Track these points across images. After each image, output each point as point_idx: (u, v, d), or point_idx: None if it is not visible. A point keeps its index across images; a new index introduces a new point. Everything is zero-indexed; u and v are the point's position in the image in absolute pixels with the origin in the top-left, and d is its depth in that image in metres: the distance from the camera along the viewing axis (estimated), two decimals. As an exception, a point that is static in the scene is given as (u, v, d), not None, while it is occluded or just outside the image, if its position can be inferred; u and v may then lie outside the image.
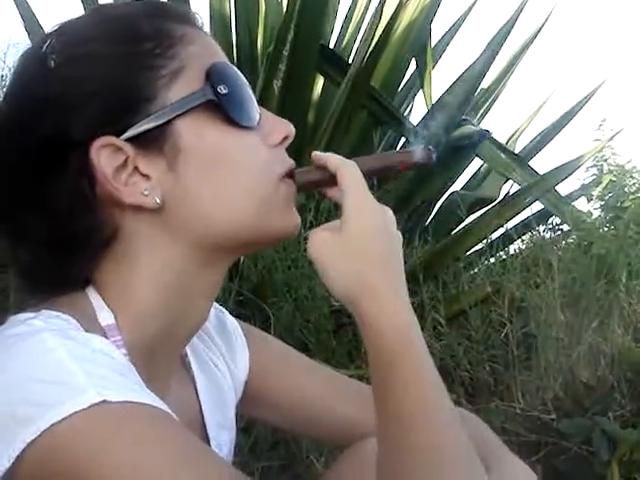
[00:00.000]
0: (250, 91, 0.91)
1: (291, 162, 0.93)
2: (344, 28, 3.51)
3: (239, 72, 0.91)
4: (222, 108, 0.86)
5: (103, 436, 0.71)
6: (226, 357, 1.07)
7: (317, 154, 0.94)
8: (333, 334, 2.37)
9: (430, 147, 0.95)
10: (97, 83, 0.83)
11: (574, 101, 3.63)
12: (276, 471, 2.03)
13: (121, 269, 0.87)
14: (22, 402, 0.71)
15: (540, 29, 3.48)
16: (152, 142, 0.84)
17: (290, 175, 0.92)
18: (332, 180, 0.91)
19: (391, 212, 0.92)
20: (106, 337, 0.83)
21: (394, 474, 0.78)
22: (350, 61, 2.98)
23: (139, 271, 0.86)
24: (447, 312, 2.38)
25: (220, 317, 1.10)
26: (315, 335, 2.31)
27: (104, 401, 0.70)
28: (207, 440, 1.00)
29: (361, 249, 0.86)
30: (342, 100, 2.77)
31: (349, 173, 0.90)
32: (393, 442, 0.79)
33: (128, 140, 0.83)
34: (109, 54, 0.84)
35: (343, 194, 0.89)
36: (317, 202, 2.45)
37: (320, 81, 3.13)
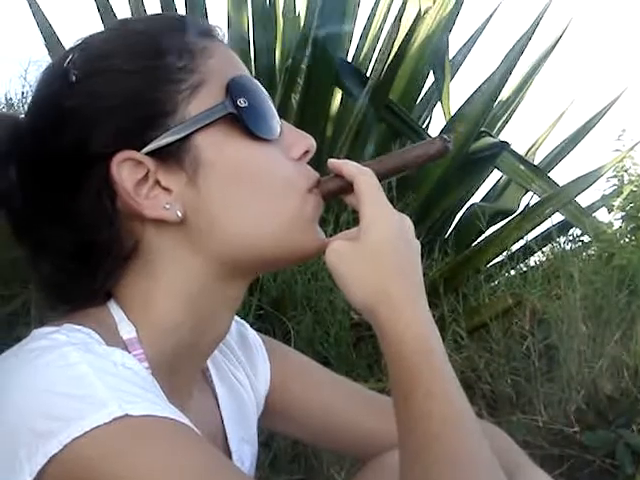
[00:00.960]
0: (271, 104, 0.91)
1: (316, 175, 0.93)
2: (362, 41, 3.51)
3: (260, 85, 0.91)
4: (242, 121, 0.86)
5: (125, 450, 0.71)
6: (247, 370, 1.07)
7: (333, 162, 0.93)
8: (353, 347, 2.37)
9: (445, 136, 0.93)
10: (117, 97, 0.84)
11: (593, 111, 3.61)
12: (297, 485, 2.03)
13: (142, 282, 0.87)
14: (43, 416, 0.71)
15: (558, 39, 3.47)
16: (173, 156, 0.84)
17: (316, 188, 0.92)
18: (350, 187, 0.91)
19: (409, 220, 0.92)
20: (128, 351, 0.83)
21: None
22: (368, 74, 2.98)
23: (160, 285, 0.87)
24: (468, 324, 2.37)
25: (242, 331, 1.11)
26: (335, 348, 2.31)
27: (126, 415, 0.70)
28: (229, 453, 1.00)
29: (378, 258, 0.85)
30: (360, 113, 2.77)
31: (365, 181, 0.89)
32: (415, 452, 0.78)
33: (149, 154, 0.83)
34: (130, 69, 0.85)
35: (360, 203, 0.88)
36: (336, 215, 2.45)
37: (338, 95, 3.13)
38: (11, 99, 3.82)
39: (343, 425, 1.10)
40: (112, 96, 0.84)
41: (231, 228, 0.86)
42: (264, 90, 0.91)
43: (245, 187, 0.86)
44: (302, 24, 3.13)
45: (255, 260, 0.89)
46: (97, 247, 0.86)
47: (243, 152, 0.87)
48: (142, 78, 0.85)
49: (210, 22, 0.95)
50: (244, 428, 1.04)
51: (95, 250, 0.86)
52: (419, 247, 0.92)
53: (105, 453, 0.70)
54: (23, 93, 3.75)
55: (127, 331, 0.85)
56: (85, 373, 0.73)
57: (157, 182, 0.85)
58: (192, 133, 0.84)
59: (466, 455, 0.77)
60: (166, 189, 0.85)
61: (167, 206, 0.84)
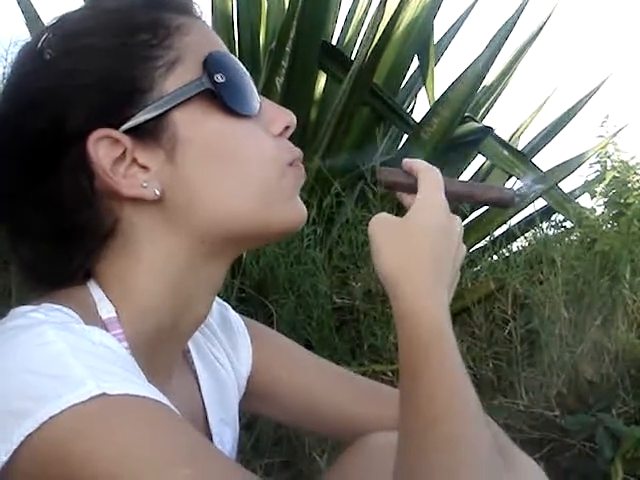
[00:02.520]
0: (250, 80, 0.90)
1: (298, 151, 0.93)
2: (346, 24, 3.50)
3: (238, 62, 0.90)
4: (219, 97, 0.85)
5: (102, 429, 0.70)
6: (229, 353, 1.07)
7: (407, 160, 0.98)
8: (336, 330, 2.37)
9: (518, 192, 0.99)
10: (92, 75, 0.83)
11: (577, 98, 3.62)
12: (278, 468, 2.03)
13: (122, 262, 0.86)
14: (19, 395, 0.71)
15: (543, 26, 3.47)
16: (150, 133, 0.83)
17: (297, 163, 0.93)
18: (413, 188, 0.95)
19: (459, 223, 0.96)
20: (107, 330, 0.82)
21: (417, 462, 0.77)
22: (352, 58, 2.97)
23: (140, 264, 0.86)
24: (451, 309, 2.37)
25: (223, 313, 1.10)
26: (318, 332, 2.31)
27: (103, 394, 0.70)
28: (210, 436, 0.99)
29: (415, 241, 0.90)
30: (344, 97, 2.76)
31: (430, 176, 0.96)
32: (415, 434, 0.79)
33: (126, 132, 0.83)
34: (104, 46, 0.84)
35: (418, 190, 0.94)
36: (320, 199, 2.45)
37: (322, 78, 3.12)
38: (-8, 80, 3.79)
39: (326, 408, 1.10)
40: (87, 74, 0.83)
41: (210, 204, 0.85)
42: (243, 67, 0.91)
43: (223, 163, 0.86)
44: (287, 6, 3.11)
45: (236, 235, 0.88)
46: (76, 227, 0.85)
47: (221, 128, 0.86)
48: (117, 56, 0.84)
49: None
50: (225, 410, 1.04)
51: (74, 230, 0.85)
52: (463, 252, 0.96)
53: (82, 432, 0.69)
54: (4, 74, 3.71)
55: (107, 311, 0.85)
56: (62, 351, 0.72)
57: (134, 160, 0.84)
58: (169, 110, 0.83)
59: (466, 444, 0.77)
60: (144, 167, 0.84)
61: (144, 184, 0.84)
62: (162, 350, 0.90)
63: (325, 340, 2.31)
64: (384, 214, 0.94)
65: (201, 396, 1.00)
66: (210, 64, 0.86)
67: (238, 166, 0.87)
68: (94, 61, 0.84)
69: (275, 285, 2.37)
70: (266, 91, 2.76)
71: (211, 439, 0.99)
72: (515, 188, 0.95)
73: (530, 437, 2.07)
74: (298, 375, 1.10)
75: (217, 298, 1.11)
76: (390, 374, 2.26)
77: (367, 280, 2.41)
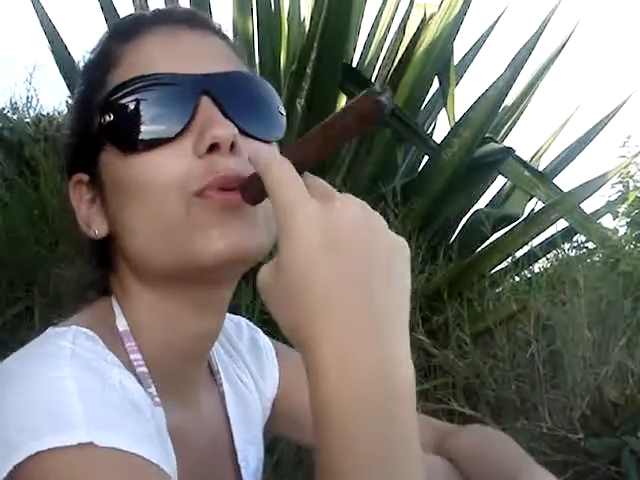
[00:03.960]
0: (167, 100, 0.84)
1: (221, 173, 0.81)
2: (367, 46, 3.52)
3: (157, 83, 0.84)
4: (108, 138, 0.86)
5: (80, 476, 0.70)
6: (255, 374, 1.08)
7: (250, 156, 0.81)
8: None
9: (375, 90, 0.68)
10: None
11: (599, 117, 3.60)
12: (300, 490, 2.02)
13: (122, 283, 0.91)
14: (18, 427, 0.72)
15: (564, 45, 3.47)
16: (93, 177, 0.90)
17: (228, 188, 0.80)
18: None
19: (353, 208, 0.69)
20: (123, 343, 0.86)
21: None
22: (373, 79, 2.98)
23: (128, 287, 0.90)
24: (472, 330, 2.36)
25: (254, 336, 1.13)
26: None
27: (91, 443, 0.69)
28: (234, 453, 1.00)
29: (298, 288, 0.65)
30: (365, 118, 2.76)
31: (272, 177, 0.69)
32: None
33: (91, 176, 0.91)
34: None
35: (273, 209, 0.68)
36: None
37: (343, 99, 3.14)
38: (16, 103, 3.84)
39: None
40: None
41: (128, 244, 0.87)
42: (161, 90, 0.84)
43: (128, 202, 0.85)
44: (307, 28, 3.13)
45: (165, 273, 0.86)
46: (91, 249, 0.94)
47: (122, 167, 0.85)
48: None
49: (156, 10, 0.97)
50: (249, 430, 1.04)
51: (92, 251, 0.94)
52: (382, 249, 0.68)
53: (60, 475, 0.70)
54: (28, 97, 3.76)
55: (122, 325, 0.88)
56: (69, 390, 0.73)
57: (90, 202, 0.92)
58: (93, 155, 0.88)
59: None
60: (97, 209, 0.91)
61: (88, 225, 0.91)
62: (176, 366, 0.91)
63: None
64: (263, 267, 0.69)
65: (227, 416, 1.01)
66: (103, 106, 0.87)
67: (139, 203, 0.84)
68: (71, 113, 0.96)
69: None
70: (287, 113, 2.76)
71: (236, 457, 1.00)
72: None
73: (553, 460, 2.05)
74: None
75: (249, 322, 1.16)
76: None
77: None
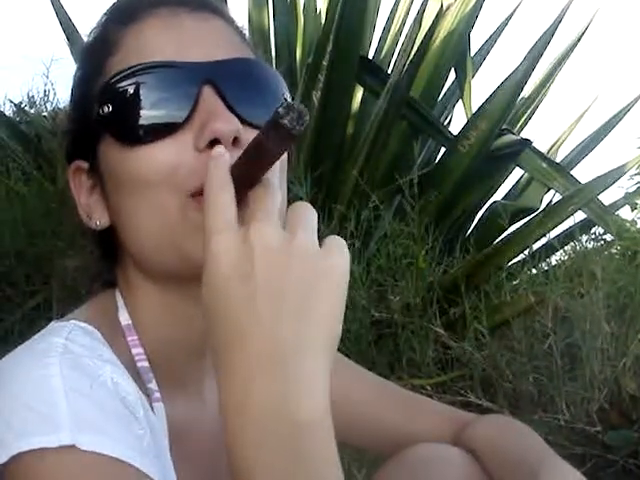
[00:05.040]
0: (167, 88, 0.81)
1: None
2: (383, 39, 3.51)
3: (156, 72, 0.81)
4: (107, 129, 0.83)
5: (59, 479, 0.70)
6: None
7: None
8: (374, 344, 2.36)
9: (280, 109, 0.65)
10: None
11: (617, 108, 3.58)
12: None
13: (126, 275, 0.90)
14: (6, 425, 0.72)
15: (581, 36, 3.44)
16: (92, 166, 0.88)
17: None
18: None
19: (271, 237, 0.65)
20: (125, 337, 0.86)
21: None
22: (389, 72, 2.97)
23: (132, 280, 0.89)
24: (489, 323, 2.36)
25: None
26: (356, 346, 2.30)
27: (73, 446, 0.69)
28: None
29: (207, 316, 0.67)
30: (382, 110, 2.76)
31: (207, 203, 0.69)
32: None
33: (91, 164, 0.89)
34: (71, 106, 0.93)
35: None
36: (357, 213, 2.44)
37: (359, 92, 3.13)
38: (33, 97, 3.86)
39: (367, 419, 1.10)
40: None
41: (130, 239, 0.85)
42: (162, 78, 0.81)
43: (126, 196, 0.83)
44: (323, 21, 3.12)
45: (165, 271, 0.84)
46: (97, 242, 0.93)
47: (120, 159, 0.82)
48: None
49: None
50: None
51: (98, 244, 0.93)
52: (295, 279, 0.64)
53: (39, 476, 0.70)
54: (45, 91, 3.78)
55: (124, 318, 0.87)
56: (56, 389, 0.72)
57: (89, 191, 0.90)
58: (92, 143, 0.86)
59: None
60: (98, 199, 0.89)
61: (88, 215, 0.89)
62: (182, 361, 0.90)
63: (363, 354, 2.30)
64: None
65: None
66: (101, 96, 0.83)
67: (137, 198, 0.81)
68: (71, 99, 0.92)
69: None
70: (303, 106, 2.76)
71: None
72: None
73: (571, 453, 2.04)
74: (340, 386, 1.09)
75: None
76: (429, 388, 2.25)
77: (405, 294, 2.40)
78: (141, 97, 0.80)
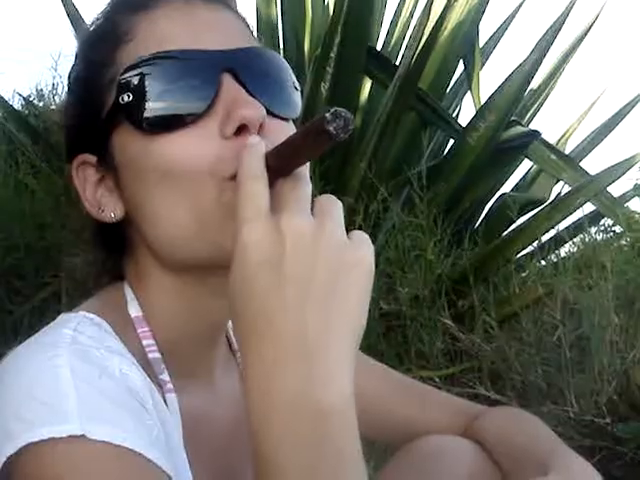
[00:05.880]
0: (187, 78, 0.80)
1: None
2: (391, 30, 3.50)
3: (171, 64, 0.81)
4: (128, 118, 0.82)
5: (68, 470, 0.70)
6: None
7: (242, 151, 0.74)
8: (383, 336, 2.36)
9: (328, 115, 0.65)
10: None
11: (626, 100, 3.57)
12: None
13: (138, 267, 0.89)
14: (14, 416, 0.72)
15: (590, 27, 3.43)
16: (104, 159, 0.86)
17: None
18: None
19: (302, 226, 0.66)
20: (135, 329, 0.85)
21: None
22: (398, 63, 2.97)
23: (145, 272, 0.88)
24: (498, 314, 2.36)
25: None
26: (365, 337, 2.28)
27: (83, 436, 0.69)
28: None
29: (234, 302, 0.68)
30: (390, 102, 2.76)
31: (241, 192, 0.70)
32: None
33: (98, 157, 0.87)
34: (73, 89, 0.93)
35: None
36: (366, 205, 2.44)
37: (368, 83, 3.13)
38: (42, 90, 3.86)
39: (378, 411, 1.10)
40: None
41: (152, 230, 0.84)
42: (181, 66, 0.81)
43: (151, 187, 0.81)
44: (331, 12, 3.12)
45: (192, 261, 0.83)
46: (106, 236, 0.91)
47: (142, 149, 0.81)
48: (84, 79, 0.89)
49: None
50: None
51: (106, 237, 0.91)
52: (325, 270, 0.65)
53: (50, 467, 0.70)
54: (54, 85, 3.78)
55: (135, 310, 0.87)
56: (65, 380, 0.73)
57: (98, 184, 0.88)
58: (104, 136, 0.85)
59: None
60: (109, 191, 0.88)
61: (103, 208, 0.87)
62: (194, 351, 0.90)
63: (372, 346, 2.30)
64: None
65: None
66: (120, 85, 0.82)
67: (167, 187, 0.80)
68: (73, 92, 0.92)
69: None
70: (311, 97, 2.77)
71: None
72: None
73: (580, 445, 2.04)
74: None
75: None
76: (437, 380, 2.25)
77: (414, 286, 2.40)
78: (161, 86, 0.80)
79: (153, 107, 0.80)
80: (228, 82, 0.81)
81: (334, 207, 0.69)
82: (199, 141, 0.79)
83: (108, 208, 0.87)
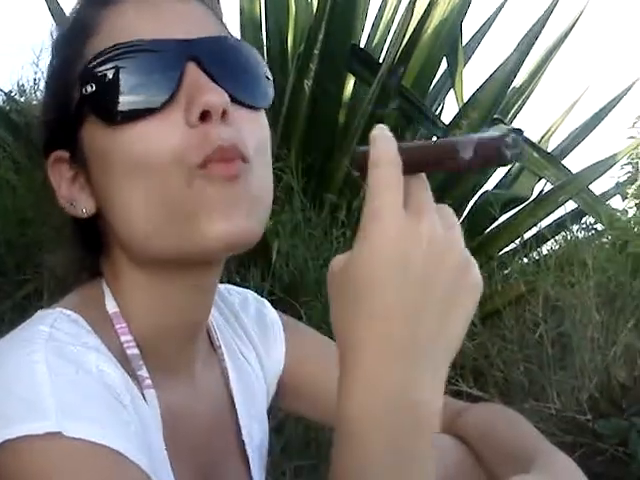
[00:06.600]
0: (151, 67, 0.80)
1: (217, 143, 0.77)
2: (375, 27, 3.51)
3: (140, 49, 0.80)
4: (91, 109, 0.81)
5: (45, 467, 0.69)
6: (259, 350, 1.07)
7: (373, 134, 0.72)
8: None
9: (508, 134, 0.62)
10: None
11: (608, 98, 3.59)
12: (308, 471, 2.03)
13: (113, 263, 0.88)
14: None
15: (572, 26, 3.45)
16: (74, 153, 0.85)
17: (223, 159, 0.77)
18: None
19: (435, 231, 0.64)
20: (113, 324, 0.85)
21: None
22: (381, 60, 2.97)
23: (120, 269, 0.87)
24: (481, 311, 2.36)
25: (260, 309, 1.10)
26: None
27: (59, 433, 0.69)
28: (238, 429, 0.99)
29: (354, 293, 0.64)
30: (373, 99, 2.76)
31: (377, 177, 0.66)
32: None
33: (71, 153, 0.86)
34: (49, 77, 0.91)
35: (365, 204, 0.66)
36: (349, 202, 2.44)
37: (351, 81, 3.13)
38: (23, 85, 3.84)
39: None
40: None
41: (121, 225, 0.83)
42: (145, 57, 0.80)
43: (118, 179, 0.80)
44: (315, 9, 3.12)
45: (164, 256, 0.82)
46: (83, 232, 0.90)
47: (108, 140, 0.80)
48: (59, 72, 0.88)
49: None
50: (253, 406, 1.04)
51: (83, 234, 0.90)
52: (445, 280, 0.65)
53: (25, 463, 0.70)
54: (35, 80, 3.76)
55: (112, 306, 0.86)
56: (41, 376, 0.72)
57: (72, 179, 0.87)
58: (73, 130, 0.84)
59: None
60: (80, 187, 0.87)
61: (73, 203, 0.86)
62: (173, 347, 0.90)
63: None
64: (336, 257, 0.68)
65: (229, 391, 1.00)
66: (83, 77, 0.82)
67: (134, 180, 0.79)
68: (47, 88, 0.90)
69: (304, 288, 2.37)
70: (295, 94, 2.77)
71: (240, 431, 0.99)
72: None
73: (561, 441, 2.05)
74: (327, 374, 1.09)
75: (256, 295, 1.13)
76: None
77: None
78: (124, 76, 0.79)
79: (116, 98, 0.79)
80: (192, 70, 0.80)
81: (456, 221, 0.69)
82: (162, 130, 0.78)
83: (79, 204, 0.86)
